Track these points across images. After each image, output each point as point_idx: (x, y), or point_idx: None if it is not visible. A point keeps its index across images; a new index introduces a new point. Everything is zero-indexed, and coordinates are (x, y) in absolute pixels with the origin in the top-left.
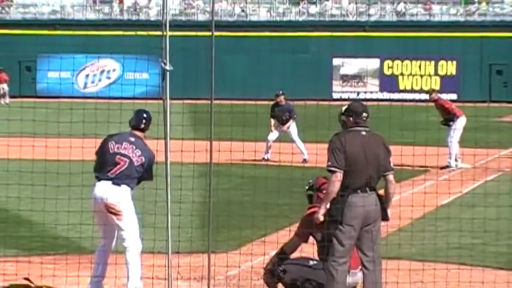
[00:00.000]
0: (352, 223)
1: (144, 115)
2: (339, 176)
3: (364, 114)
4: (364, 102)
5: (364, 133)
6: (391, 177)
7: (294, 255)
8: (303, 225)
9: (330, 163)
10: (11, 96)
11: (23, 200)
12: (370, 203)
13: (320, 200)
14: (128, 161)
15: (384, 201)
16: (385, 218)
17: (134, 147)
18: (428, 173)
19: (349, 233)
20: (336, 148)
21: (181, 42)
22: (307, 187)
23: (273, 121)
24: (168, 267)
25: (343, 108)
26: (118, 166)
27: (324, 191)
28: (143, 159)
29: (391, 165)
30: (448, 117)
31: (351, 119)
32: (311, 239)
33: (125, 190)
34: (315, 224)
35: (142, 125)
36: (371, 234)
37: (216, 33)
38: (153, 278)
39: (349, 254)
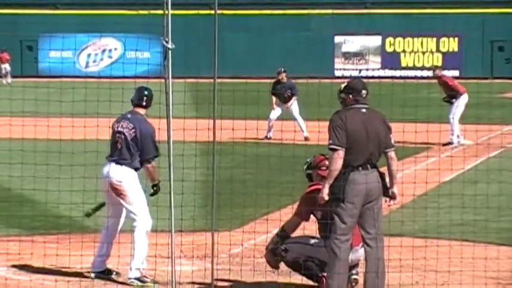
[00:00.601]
0: (353, 200)
1: (145, 92)
2: (340, 153)
3: (364, 92)
4: (366, 80)
5: (364, 110)
6: (392, 153)
7: (296, 234)
8: (303, 203)
9: (331, 141)
10: (13, 76)
11: (26, 179)
12: (372, 180)
13: (320, 177)
14: (123, 137)
15: (384, 179)
16: (388, 195)
17: (128, 122)
18: (431, 150)
19: (350, 211)
20: (337, 126)
21: (182, 21)
22: (305, 166)
23: (274, 99)
24: (171, 245)
25: (343, 85)
26: (117, 145)
27: (323, 168)
28: (135, 131)
29: (392, 141)
30: (451, 94)
31: (351, 96)
32: (312, 217)
33: (126, 170)
34: (317, 202)
35: (144, 102)
36: (373, 212)
37: (218, 11)
38: (156, 256)
39: (351, 232)
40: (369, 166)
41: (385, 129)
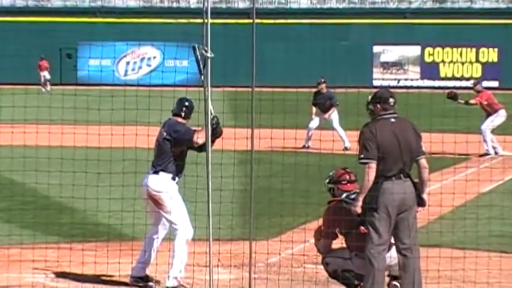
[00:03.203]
0: (387, 210)
1: (186, 103)
2: (372, 166)
3: (391, 100)
4: (405, 90)
5: (393, 120)
6: (423, 161)
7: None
8: (325, 219)
9: (362, 155)
10: (52, 84)
11: (64, 187)
12: (406, 190)
13: (341, 192)
14: (156, 142)
15: (418, 188)
16: (421, 204)
17: (162, 127)
18: (470, 161)
19: (385, 221)
20: (367, 139)
21: (221, 30)
22: (327, 180)
23: (314, 109)
24: (209, 254)
25: (370, 97)
26: (155, 152)
27: (343, 182)
28: (165, 132)
29: (423, 149)
30: (485, 111)
31: (379, 106)
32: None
33: (163, 178)
34: (338, 214)
35: (183, 113)
36: (407, 222)
37: (257, 21)
38: (193, 265)
39: (387, 242)
40: (402, 176)
41: (416, 136)
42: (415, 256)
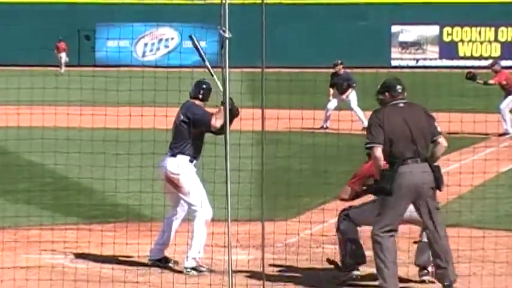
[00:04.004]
0: (402, 194)
1: (203, 86)
2: (378, 150)
3: (399, 87)
4: (423, 70)
5: (402, 105)
6: (440, 139)
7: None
8: (358, 173)
9: (368, 140)
10: (71, 65)
11: (83, 168)
12: (423, 174)
13: None
14: (174, 125)
15: (438, 171)
16: (439, 187)
17: (179, 110)
18: (489, 140)
19: (397, 204)
20: (373, 124)
21: (239, 10)
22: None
23: (332, 90)
24: (228, 235)
25: (378, 86)
26: (172, 134)
27: None
28: (182, 114)
29: (438, 129)
30: (505, 89)
31: (387, 94)
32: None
33: (180, 160)
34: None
35: (200, 95)
36: (427, 205)
37: (275, 1)
38: (212, 245)
39: (395, 224)
40: (418, 159)
41: (428, 119)
42: (442, 236)
